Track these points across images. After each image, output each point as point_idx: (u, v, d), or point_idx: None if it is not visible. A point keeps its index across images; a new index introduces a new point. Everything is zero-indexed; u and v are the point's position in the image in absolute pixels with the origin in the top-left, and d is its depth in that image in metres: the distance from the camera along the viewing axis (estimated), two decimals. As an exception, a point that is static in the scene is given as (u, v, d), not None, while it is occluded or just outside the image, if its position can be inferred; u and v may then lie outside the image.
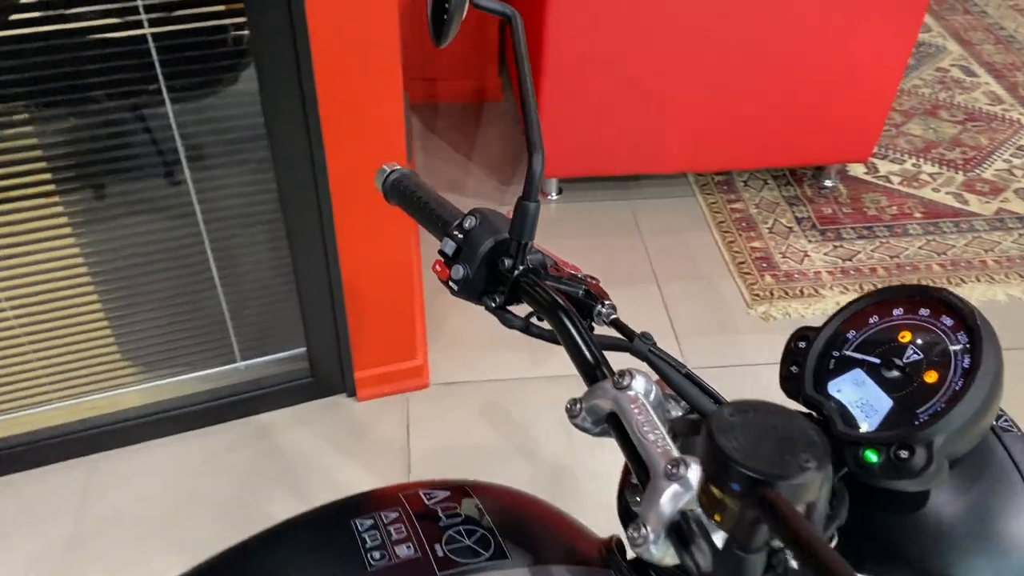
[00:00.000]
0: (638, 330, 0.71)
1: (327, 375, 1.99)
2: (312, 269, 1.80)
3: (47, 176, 1.60)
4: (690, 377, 0.69)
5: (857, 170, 2.80)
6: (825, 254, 2.47)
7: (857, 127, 2.52)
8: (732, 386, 2.06)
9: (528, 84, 0.75)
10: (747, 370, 2.13)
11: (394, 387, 2.04)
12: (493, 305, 0.76)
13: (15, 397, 1.82)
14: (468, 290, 0.76)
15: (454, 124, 2.96)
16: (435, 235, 0.82)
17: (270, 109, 1.56)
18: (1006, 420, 0.68)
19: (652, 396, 0.63)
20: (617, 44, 2.26)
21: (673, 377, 0.69)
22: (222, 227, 1.72)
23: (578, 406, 0.63)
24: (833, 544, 0.70)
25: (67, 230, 1.66)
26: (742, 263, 2.43)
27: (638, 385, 0.63)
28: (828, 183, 2.73)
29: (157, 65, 1.49)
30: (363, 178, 1.69)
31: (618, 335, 0.72)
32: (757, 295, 2.33)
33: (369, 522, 0.71)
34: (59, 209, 1.65)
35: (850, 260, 2.45)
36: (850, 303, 0.69)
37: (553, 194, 2.64)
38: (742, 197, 2.68)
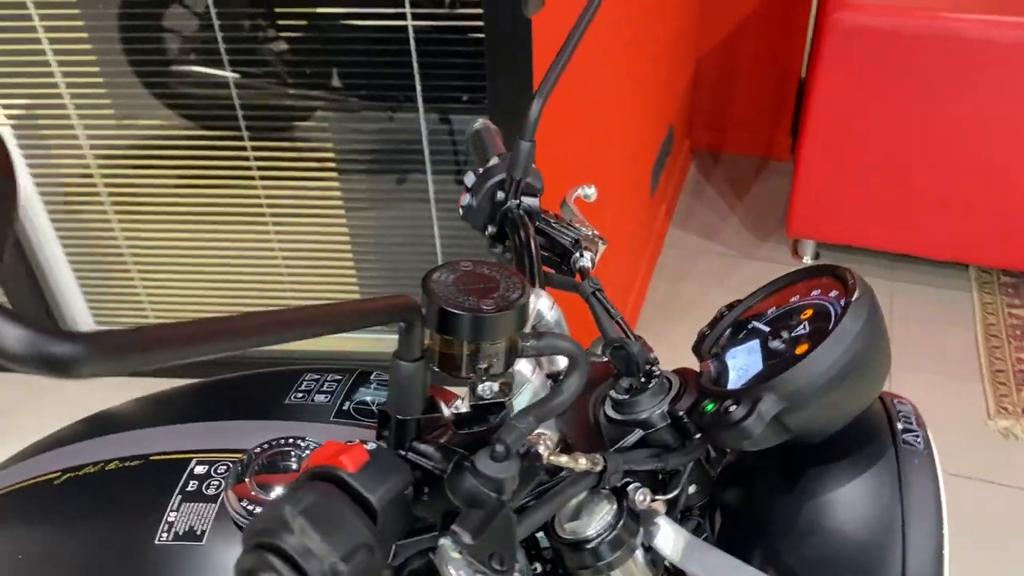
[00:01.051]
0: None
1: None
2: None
3: (328, 162, 1.92)
4: (620, 324, 0.70)
5: None
6: (1114, 386, 2.09)
7: None
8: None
9: (575, 41, 0.80)
10: (966, 483, 1.88)
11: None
12: (486, 233, 0.83)
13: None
14: (473, 218, 0.83)
15: (729, 175, 2.95)
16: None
17: (495, 111, 1.72)
18: (916, 435, 0.61)
19: (550, 316, 0.67)
20: (890, 111, 2.13)
21: (603, 320, 0.71)
22: (452, 216, 1.93)
23: None
24: (694, 527, 0.66)
25: (340, 212, 1.97)
26: (1000, 371, 2.14)
27: (543, 303, 0.67)
28: None
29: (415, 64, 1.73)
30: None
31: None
32: (1004, 408, 2.04)
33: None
34: (336, 193, 1.96)
35: None
36: (773, 281, 0.67)
37: (808, 257, 2.52)
38: (1029, 304, 2.35)
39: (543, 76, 0.79)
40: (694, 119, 2.99)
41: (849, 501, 0.59)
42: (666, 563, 0.64)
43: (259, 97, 1.84)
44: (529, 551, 0.67)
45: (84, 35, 1.79)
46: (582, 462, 0.54)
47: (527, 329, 0.57)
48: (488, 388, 0.52)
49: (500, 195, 0.80)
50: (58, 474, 0.67)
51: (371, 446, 0.45)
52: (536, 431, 0.55)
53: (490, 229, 0.82)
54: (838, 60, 2.11)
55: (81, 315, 2.21)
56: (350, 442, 0.45)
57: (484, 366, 0.49)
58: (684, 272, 2.51)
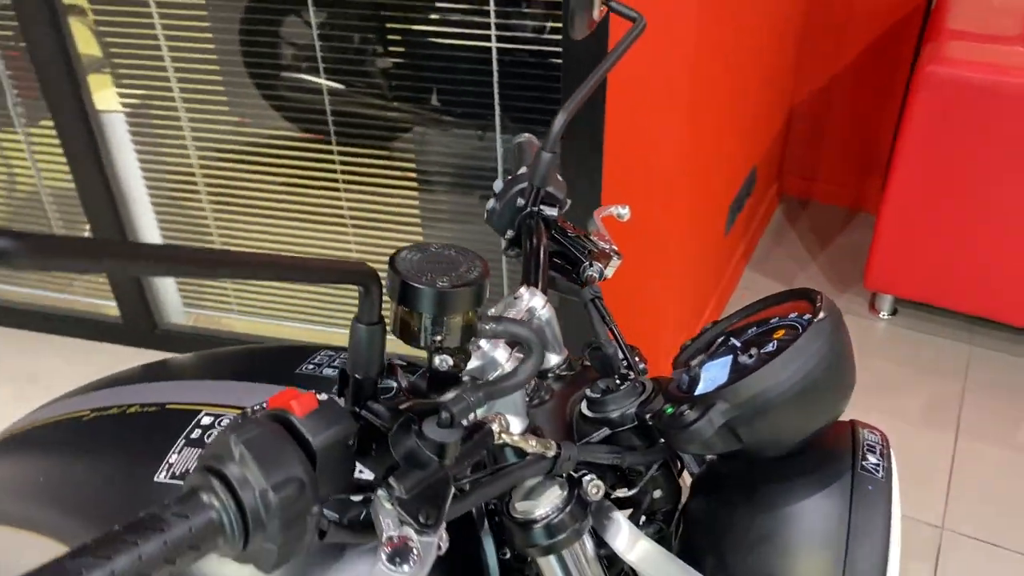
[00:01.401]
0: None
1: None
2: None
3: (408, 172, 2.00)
4: (612, 330, 0.73)
5: None
6: None
7: None
8: (986, 569, 1.76)
9: (610, 63, 0.85)
10: (1020, 559, 1.79)
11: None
12: (505, 236, 0.87)
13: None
14: (496, 221, 0.88)
15: (815, 222, 2.91)
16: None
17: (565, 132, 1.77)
18: (877, 464, 0.62)
19: (542, 313, 0.71)
20: (977, 168, 2.07)
21: (597, 325, 0.74)
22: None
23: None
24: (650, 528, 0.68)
25: (416, 223, 2.05)
26: (1077, 449, 2.04)
27: (536, 301, 0.71)
28: None
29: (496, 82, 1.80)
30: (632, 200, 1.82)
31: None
32: (1077, 487, 1.93)
33: None
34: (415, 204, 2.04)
35: None
36: (758, 300, 0.69)
37: (885, 312, 2.46)
38: (1120, 384, 2.23)
39: (572, 93, 0.83)
40: (785, 165, 2.97)
41: (799, 518, 0.61)
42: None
43: (349, 107, 1.94)
44: (500, 536, 0.70)
45: (201, 35, 1.94)
46: (532, 443, 0.57)
47: (494, 313, 0.61)
48: (444, 361, 0.56)
49: (520, 202, 0.84)
50: (88, 412, 0.75)
51: (323, 397, 0.50)
52: (495, 412, 0.59)
53: (509, 233, 0.87)
54: (928, 113, 2.07)
55: (174, 304, 2.36)
56: (304, 391, 0.50)
57: (439, 338, 0.53)
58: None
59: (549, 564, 0.61)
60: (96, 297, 2.42)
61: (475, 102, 1.85)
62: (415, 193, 2.03)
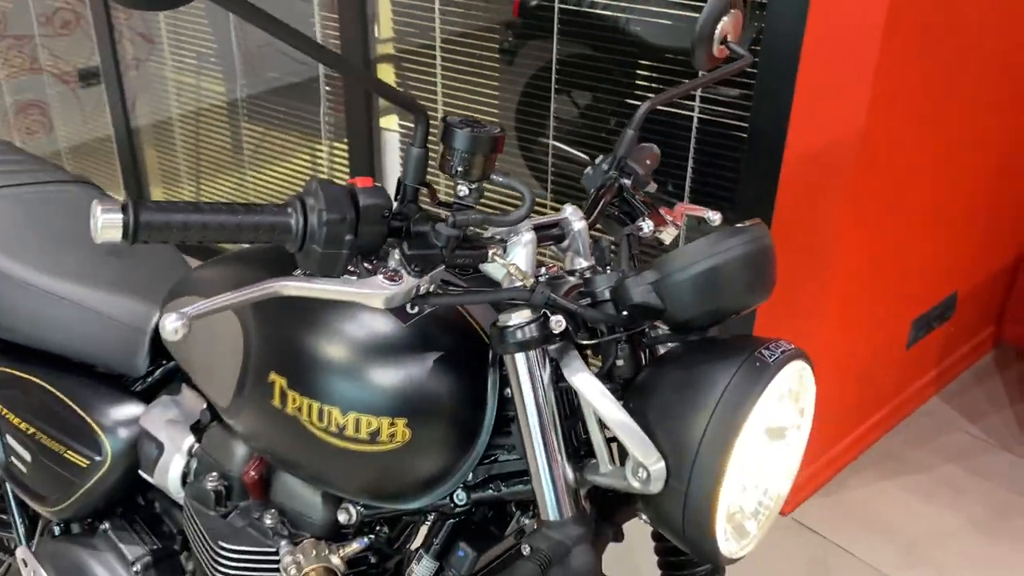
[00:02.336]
0: None
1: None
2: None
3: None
4: (634, 257, 0.96)
5: None
6: None
7: None
8: None
9: (704, 80, 1.09)
10: None
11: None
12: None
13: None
14: (587, 183, 1.13)
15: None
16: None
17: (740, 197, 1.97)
18: (771, 355, 0.78)
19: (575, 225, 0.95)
20: None
21: (623, 257, 0.97)
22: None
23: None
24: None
25: None
26: None
27: (576, 221, 0.96)
28: None
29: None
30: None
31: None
32: None
33: None
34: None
35: None
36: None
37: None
38: None
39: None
40: (1009, 310, 2.87)
41: (694, 377, 0.79)
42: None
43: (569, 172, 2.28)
44: (503, 378, 0.93)
45: (475, 95, 2.39)
46: (514, 270, 0.82)
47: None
48: (464, 188, 0.83)
49: (604, 167, 1.10)
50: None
51: (378, 184, 0.79)
52: (510, 260, 0.84)
53: (592, 192, 1.12)
54: None
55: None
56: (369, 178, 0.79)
57: (463, 168, 0.81)
58: (925, 440, 2.44)
59: (516, 362, 0.84)
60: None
61: (668, 171, 2.11)
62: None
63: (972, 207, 2.38)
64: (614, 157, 1.08)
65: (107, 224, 0.67)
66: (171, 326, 0.68)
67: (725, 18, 1.13)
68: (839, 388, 2.17)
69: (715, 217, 1.19)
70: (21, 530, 1.44)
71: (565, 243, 0.95)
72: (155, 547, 1.28)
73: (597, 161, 1.12)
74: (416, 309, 0.86)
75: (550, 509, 0.85)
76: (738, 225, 0.81)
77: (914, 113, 1.93)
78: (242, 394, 1.00)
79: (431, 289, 0.81)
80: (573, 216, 0.95)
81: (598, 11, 2.15)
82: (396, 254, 0.78)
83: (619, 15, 2.11)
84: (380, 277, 0.77)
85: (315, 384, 0.91)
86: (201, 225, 0.71)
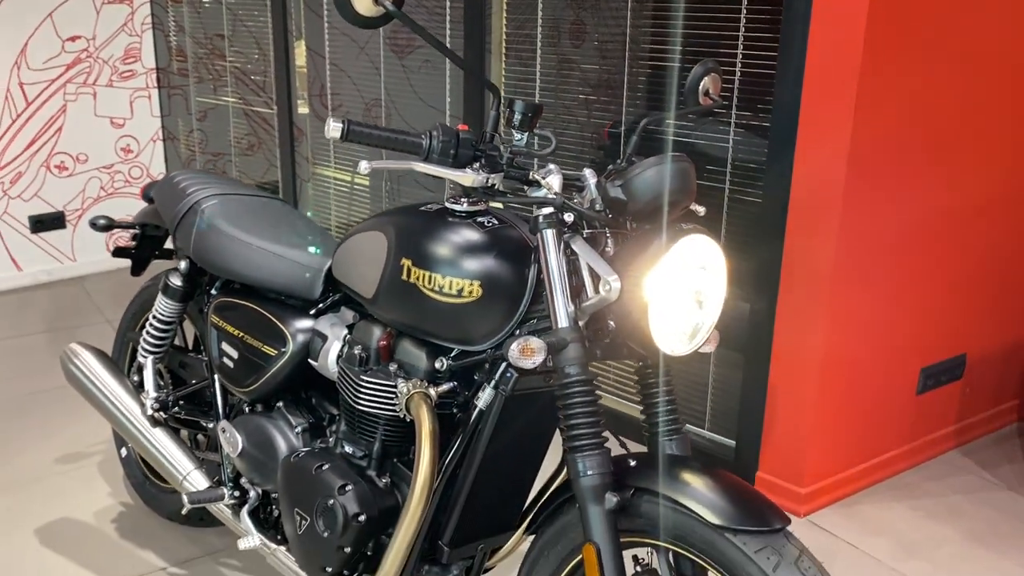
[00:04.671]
0: None
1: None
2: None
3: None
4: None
5: None
6: None
7: None
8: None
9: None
10: None
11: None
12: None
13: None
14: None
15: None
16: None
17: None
18: (687, 230, 1.37)
19: (589, 182, 1.59)
20: None
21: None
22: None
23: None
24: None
25: None
26: None
27: (590, 176, 1.60)
28: None
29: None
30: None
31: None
32: None
33: None
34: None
35: None
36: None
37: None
38: None
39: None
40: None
41: (642, 241, 1.38)
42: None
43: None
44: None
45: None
46: (547, 184, 1.44)
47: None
48: (518, 135, 1.47)
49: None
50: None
51: (470, 130, 1.45)
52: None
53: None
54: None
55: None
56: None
57: (517, 122, 1.46)
58: (939, 477, 2.80)
59: (544, 237, 1.43)
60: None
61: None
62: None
63: (982, 274, 2.84)
64: (624, 154, 1.71)
65: (334, 128, 1.35)
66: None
67: (706, 79, 1.76)
68: (847, 414, 2.61)
69: (701, 210, 1.78)
70: (221, 409, 2.08)
71: (584, 193, 1.56)
72: (311, 419, 1.89)
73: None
74: (491, 223, 1.49)
75: (560, 320, 1.42)
76: (670, 154, 1.41)
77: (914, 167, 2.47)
78: (383, 281, 1.63)
79: (496, 186, 1.44)
80: (589, 175, 1.57)
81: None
82: (477, 164, 1.43)
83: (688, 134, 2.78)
84: (469, 170, 1.41)
85: (429, 261, 1.54)
86: (378, 136, 1.38)
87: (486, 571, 1.83)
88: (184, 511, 2.11)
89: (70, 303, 4.27)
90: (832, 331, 2.46)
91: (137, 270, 2.60)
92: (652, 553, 1.51)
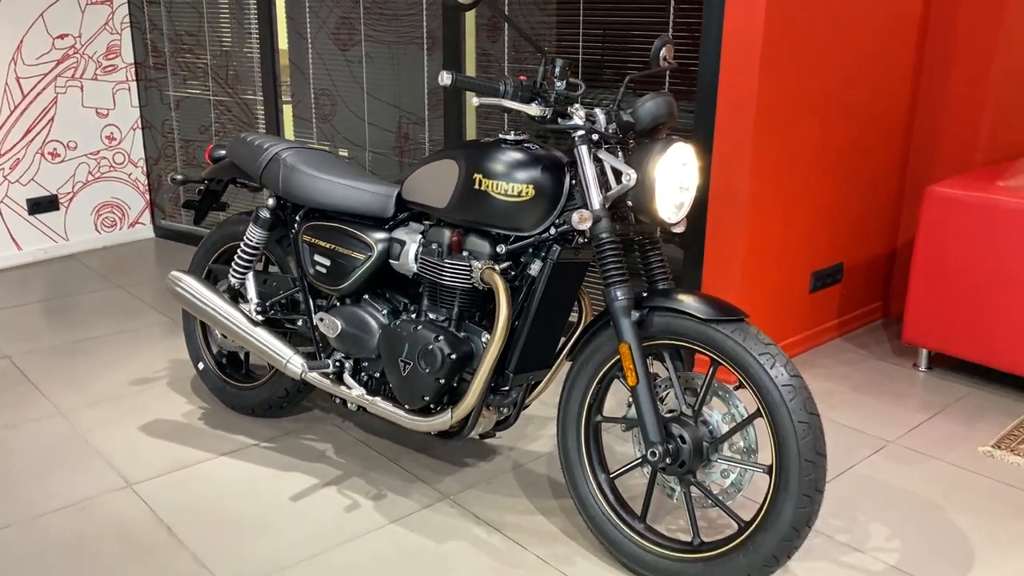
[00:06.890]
0: None
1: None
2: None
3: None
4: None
5: None
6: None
7: None
8: None
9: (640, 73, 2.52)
10: None
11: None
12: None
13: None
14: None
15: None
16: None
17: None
18: (679, 143, 2.15)
19: (600, 122, 2.35)
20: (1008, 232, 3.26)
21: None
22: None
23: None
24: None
25: None
26: None
27: (600, 117, 2.36)
28: None
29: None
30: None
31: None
32: None
33: None
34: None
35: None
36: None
37: (922, 366, 3.54)
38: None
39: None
40: (891, 289, 4.16)
41: (648, 147, 2.14)
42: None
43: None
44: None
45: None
46: (579, 115, 2.17)
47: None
48: (561, 84, 2.21)
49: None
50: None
51: (523, 76, 2.17)
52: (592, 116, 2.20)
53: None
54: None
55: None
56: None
57: (558, 76, 2.19)
58: (828, 355, 3.70)
59: (580, 151, 2.17)
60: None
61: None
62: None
63: (852, 199, 3.74)
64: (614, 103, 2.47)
65: (446, 78, 2.05)
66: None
67: (663, 48, 2.54)
68: (759, 306, 3.46)
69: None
70: (314, 308, 2.73)
71: (597, 123, 2.30)
72: (390, 307, 2.58)
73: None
74: (535, 147, 2.22)
75: (594, 204, 2.16)
76: (661, 91, 2.18)
77: (798, 102, 3.33)
78: (456, 192, 2.34)
79: (548, 116, 2.17)
80: (599, 112, 2.32)
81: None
82: (537, 101, 2.16)
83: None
84: (534, 105, 2.14)
85: (495, 173, 2.25)
86: (473, 84, 2.10)
87: (525, 407, 2.56)
88: (302, 375, 2.67)
89: (74, 274, 4.72)
90: (748, 243, 3.29)
91: (199, 219, 3.20)
92: (653, 362, 2.27)
